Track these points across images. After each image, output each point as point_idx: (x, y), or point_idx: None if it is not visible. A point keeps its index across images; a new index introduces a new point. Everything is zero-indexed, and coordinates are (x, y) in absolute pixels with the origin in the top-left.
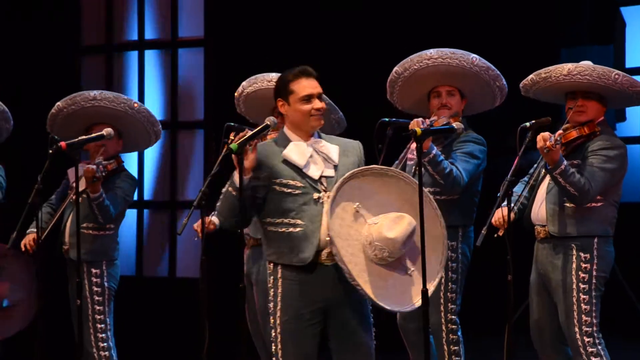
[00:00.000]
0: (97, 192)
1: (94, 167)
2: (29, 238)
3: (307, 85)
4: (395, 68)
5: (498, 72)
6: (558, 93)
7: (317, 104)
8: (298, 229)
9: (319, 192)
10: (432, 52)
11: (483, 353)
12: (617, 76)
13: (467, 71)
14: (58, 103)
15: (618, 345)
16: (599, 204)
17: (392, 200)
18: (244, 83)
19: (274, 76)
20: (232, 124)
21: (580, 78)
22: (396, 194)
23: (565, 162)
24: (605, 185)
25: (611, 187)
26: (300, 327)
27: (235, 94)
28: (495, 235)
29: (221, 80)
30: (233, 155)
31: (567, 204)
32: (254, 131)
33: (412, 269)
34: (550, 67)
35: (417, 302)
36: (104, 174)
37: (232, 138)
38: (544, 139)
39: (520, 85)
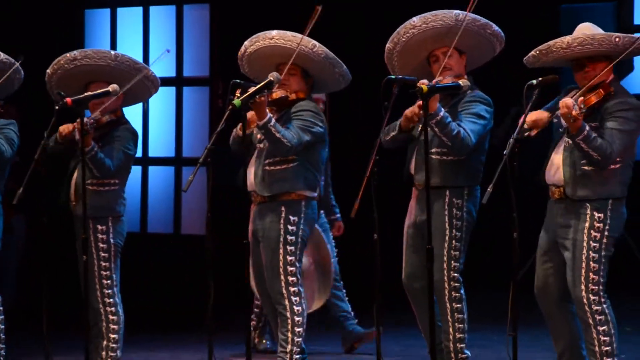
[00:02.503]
0: (88, 146)
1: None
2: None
3: None
4: (387, 45)
5: (485, 20)
6: (563, 61)
7: None
8: None
9: None
10: (414, 20)
11: (487, 311)
12: (617, 39)
13: (454, 28)
14: (47, 70)
15: (622, 303)
16: (617, 166)
17: None
18: (246, 42)
19: (276, 34)
20: (238, 80)
21: (581, 49)
22: None
23: (587, 128)
24: (625, 146)
25: (629, 148)
26: None
27: (239, 53)
28: (527, 134)
29: (227, 37)
30: None
31: (586, 167)
32: (257, 87)
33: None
34: (550, 42)
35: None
36: (93, 127)
37: (238, 95)
38: (567, 106)
39: (524, 60)
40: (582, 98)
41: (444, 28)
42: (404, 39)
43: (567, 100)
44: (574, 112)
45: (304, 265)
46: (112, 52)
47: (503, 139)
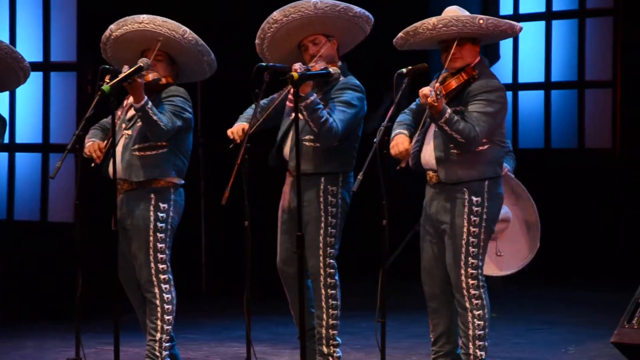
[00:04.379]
0: None
1: None
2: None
3: None
4: (256, 41)
5: (345, 4)
6: (432, 42)
7: None
8: None
9: None
10: (275, 15)
11: (359, 297)
12: (481, 21)
13: (316, 17)
14: None
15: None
16: (486, 147)
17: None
18: (112, 26)
19: (145, 18)
20: (107, 66)
21: (447, 30)
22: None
23: (449, 111)
24: (489, 128)
25: (496, 129)
26: None
27: (103, 37)
28: (398, 168)
29: (95, 22)
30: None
31: (454, 150)
32: (126, 72)
33: (501, 253)
34: (417, 24)
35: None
36: None
37: (107, 81)
38: (424, 95)
39: (394, 42)
40: (438, 84)
41: (305, 18)
42: (269, 34)
43: (424, 90)
44: (429, 100)
45: (511, 222)
46: None
47: (376, 128)
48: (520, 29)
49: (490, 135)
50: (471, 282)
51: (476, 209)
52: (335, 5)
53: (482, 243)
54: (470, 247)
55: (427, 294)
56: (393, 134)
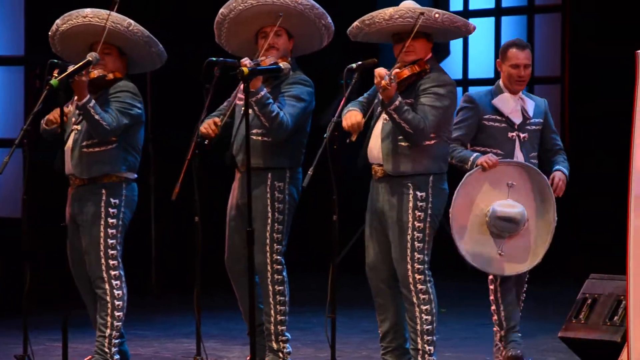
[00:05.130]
0: None
1: None
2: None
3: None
4: (221, 9)
5: (323, 10)
6: (385, 35)
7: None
8: None
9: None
10: None
11: (309, 292)
12: (437, 15)
13: (292, 10)
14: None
15: (443, 282)
16: (433, 142)
17: (528, 190)
18: (57, 21)
19: (89, 12)
20: (56, 60)
21: (402, 21)
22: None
23: (399, 99)
24: (438, 122)
25: (444, 125)
26: None
27: (50, 32)
28: (348, 141)
29: (43, 15)
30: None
31: (402, 143)
32: (75, 67)
33: (502, 252)
34: (373, 13)
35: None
36: None
37: (56, 75)
38: (379, 75)
39: (347, 32)
40: (396, 70)
41: (282, 7)
42: (240, 8)
43: (380, 70)
44: (383, 82)
45: (527, 217)
46: None
47: (328, 122)
48: (474, 28)
49: (438, 130)
50: (418, 277)
51: (421, 204)
52: (315, 7)
53: (427, 238)
54: (415, 242)
55: (373, 289)
56: (345, 111)
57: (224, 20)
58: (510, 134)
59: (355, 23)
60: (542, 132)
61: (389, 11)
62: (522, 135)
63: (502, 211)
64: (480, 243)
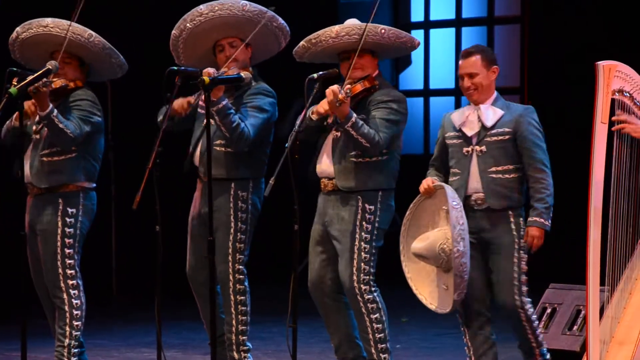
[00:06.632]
0: None
1: None
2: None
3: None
4: (173, 32)
5: (272, 13)
6: (331, 54)
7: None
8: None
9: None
10: (202, 7)
11: (269, 302)
12: (382, 30)
13: (241, 18)
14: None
15: (389, 293)
16: (385, 157)
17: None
18: (18, 28)
19: (50, 21)
20: (15, 69)
21: (349, 38)
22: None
23: (354, 115)
24: (391, 136)
25: (395, 140)
26: None
27: (10, 39)
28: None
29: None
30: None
31: (354, 159)
32: (34, 75)
33: (446, 287)
34: (319, 32)
35: (436, 308)
36: None
37: (15, 83)
38: (334, 92)
39: (293, 52)
40: (349, 85)
41: (231, 18)
42: (190, 26)
43: (334, 87)
44: (340, 96)
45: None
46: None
47: (288, 131)
48: (419, 43)
49: (390, 144)
50: (364, 287)
51: (369, 216)
52: (263, 11)
53: (373, 250)
54: (362, 253)
55: (319, 305)
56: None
57: (177, 42)
58: (465, 149)
59: (302, 43)
60: (516, 144)
61: (335, 29)
62: (479, 148)
63: (414, 247)
64: (432, 279)
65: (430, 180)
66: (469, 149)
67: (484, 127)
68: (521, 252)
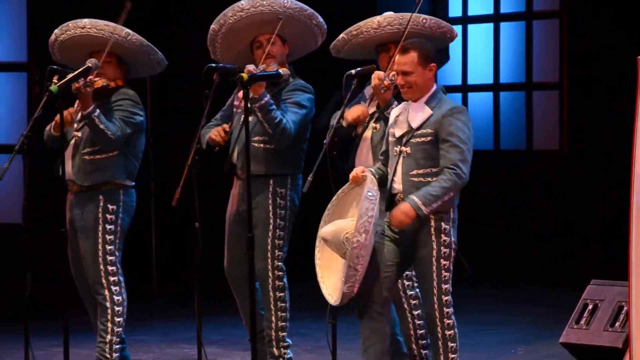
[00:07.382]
0: None
1: None
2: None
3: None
4: (212, 26)
5: (312, 10)
6: (369, 48)
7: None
8: None
9: None
10: (243, 3)
11: (308, 299)
12: (424, 20)
13: (282, 16)
14: None
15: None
16: None
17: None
18: (56, 30)
19: (87, 22)
20: (55, 67)
21: (391, 28)
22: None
23: (395, 102)
24: None
25: None
26: None
27: (49, 41)
28: (354, 135)
29: (45, 22)
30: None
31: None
32: (74, 73)
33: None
34: (360, 23)
35: (333, 302)
36: None
37: (55, 82)
38: (379, 77)
39: (331, 47)
40: (393, 73)
41: (271, 14)
42: (230, 21)
43: (379, 72)
44: (385, 83)
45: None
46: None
47: (325, 126)
48: (457, 34)
49: None
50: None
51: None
52: (304, 9)
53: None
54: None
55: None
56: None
57: (216, 36)
58: (395, 149)
59: (341, 35)
60: (437, 145)
61: (376, 19)
62: (404, 149)
63: (322, 231)
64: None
65: (360, 169)
66: (398, 149)
67: (411, 128)
68: (441, 260)
